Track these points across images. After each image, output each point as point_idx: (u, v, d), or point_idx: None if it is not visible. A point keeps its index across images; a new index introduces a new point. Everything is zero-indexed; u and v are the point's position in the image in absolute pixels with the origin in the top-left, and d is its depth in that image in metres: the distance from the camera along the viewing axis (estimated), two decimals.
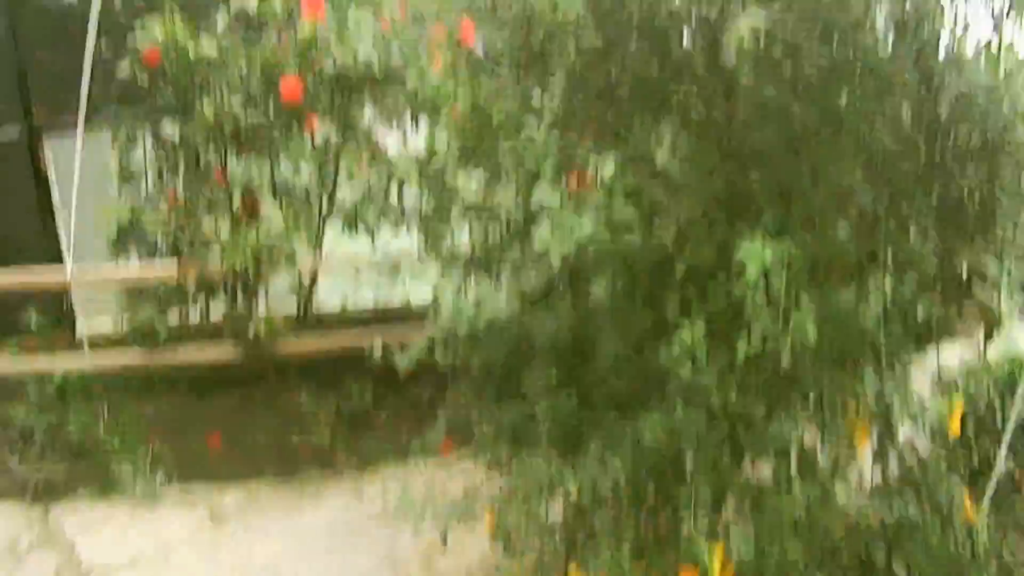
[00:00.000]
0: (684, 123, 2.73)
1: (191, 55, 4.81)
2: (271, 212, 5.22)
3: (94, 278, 5.06)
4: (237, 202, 5.21)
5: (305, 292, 5.34)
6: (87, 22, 5.40)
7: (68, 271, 4.91)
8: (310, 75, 4.76)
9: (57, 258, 5.19)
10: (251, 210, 5.24)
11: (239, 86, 4.91)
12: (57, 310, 5.35)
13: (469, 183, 3.11)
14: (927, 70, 2.82)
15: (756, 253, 2.45)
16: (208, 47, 4.87)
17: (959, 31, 2.85)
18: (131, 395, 5.15)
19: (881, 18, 2.70)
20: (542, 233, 2.60)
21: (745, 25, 2.34)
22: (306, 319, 5.37)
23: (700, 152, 2.75)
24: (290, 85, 4.71)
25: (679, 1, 2.67)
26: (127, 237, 4.97)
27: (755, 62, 2.48)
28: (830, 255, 2.75)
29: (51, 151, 5.59)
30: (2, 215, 5.49)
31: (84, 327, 5.39)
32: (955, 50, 2.86)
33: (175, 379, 5.20)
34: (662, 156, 2.61)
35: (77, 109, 4.94)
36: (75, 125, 4.96)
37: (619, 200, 2.66)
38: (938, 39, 2.83)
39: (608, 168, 2.64)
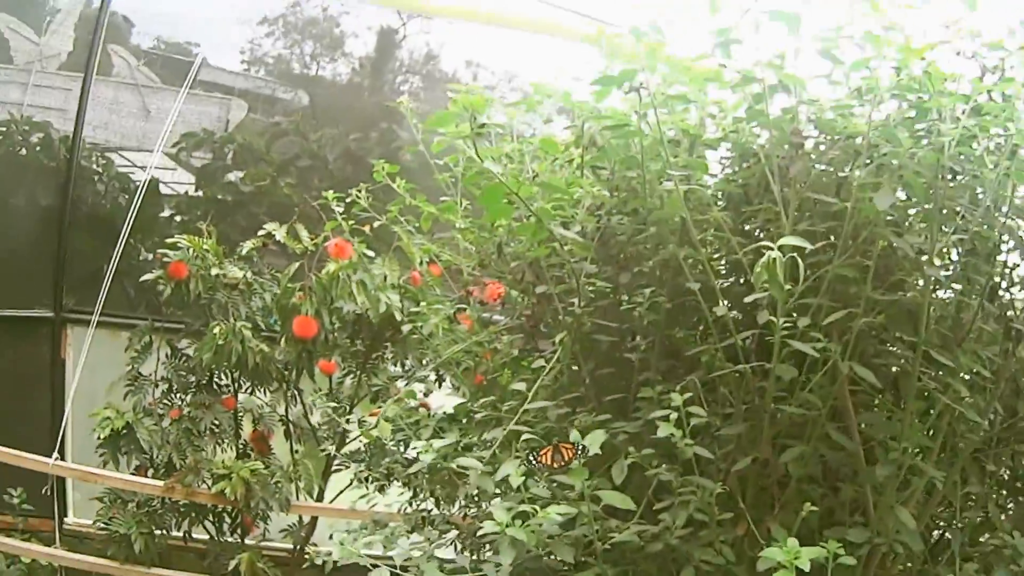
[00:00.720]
0: (705, 386, 2.21)
1: (213, 273, 4.64)
2: (280, 448, 4.88)
3: (78, 474, 4.62)
4: (247, 432, 4.87)
5: (302, 534, 4.81)
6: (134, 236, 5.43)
7: (52, 460, 4.48)
8: (327, 314, 4.52)
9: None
10: (260, 443, 4.87)
11: (254, 314, 4.73)
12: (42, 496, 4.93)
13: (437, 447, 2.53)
14: (1004, 307, 2.32)
15: (788, 559, 1.81)
16: (232, 270, 4.72)
17: None
18: None
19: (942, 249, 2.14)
20: (497, 515, 2.01)
21: (780, 249, 1.84)
22: (300, 562, 4.81)
23: (721, 422, 2.23)
24: (303, 322, 4.44)
25: (701, 235, 2.24)
26: (119, 442, 4.55)
27: (792, 309, 2.02)
28: (889, 547, 2.15)
29: (74, 339, 5.37)
30: (17, 390, 5.30)
31: (59, 522, 5.01)
32: None
33: None
34: (668, 427, 2.03)
35: (104, 303, 4.97)
36: (98, 322, 4.98)
37: (611, 482, 2.09)
38: (1014, 268, 2.30)
39: (595, 440, 2.07)
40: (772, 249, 1.81)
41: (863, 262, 2.04)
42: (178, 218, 6.00)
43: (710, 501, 2.07)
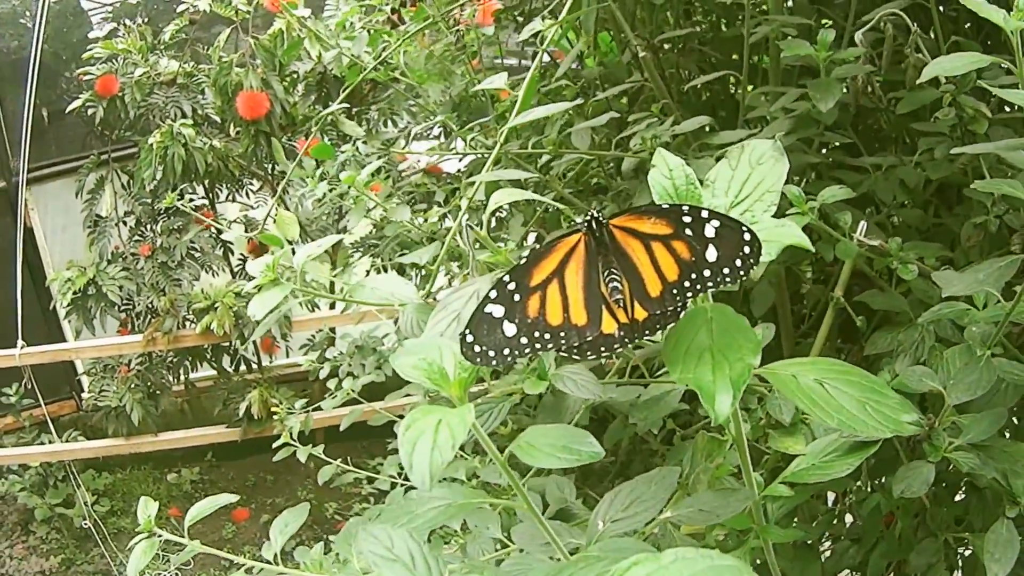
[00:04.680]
0: None
1: (139, 73, 3.46)
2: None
3: (48, 356, 3.54)
4: (242, 246, 3.70)
5: (324, 347, 3.70)
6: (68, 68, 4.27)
7: (18, 350, 3.39)
8: (277, 83, 3.22)
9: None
10: (259, 253, 3.70)
11: (204, 108, 3.54)
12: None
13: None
14: None
15: None
16: (168, 65, 3.51)
17: None
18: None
19: None
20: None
21: None
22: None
23: None
24: (248, 98, 3.15)
25: None
26: (87, 303, 3.46)
27: None
28: None
29: (36, 201, 4.22)
30: None
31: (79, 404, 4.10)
32: None
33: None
34: None
35: (55, 156, 4.16)
36: (58, 172, 4.15)
37: None
38: None
39: None
40: None
41: None
42: (121, 33, 4.70)
43: None
